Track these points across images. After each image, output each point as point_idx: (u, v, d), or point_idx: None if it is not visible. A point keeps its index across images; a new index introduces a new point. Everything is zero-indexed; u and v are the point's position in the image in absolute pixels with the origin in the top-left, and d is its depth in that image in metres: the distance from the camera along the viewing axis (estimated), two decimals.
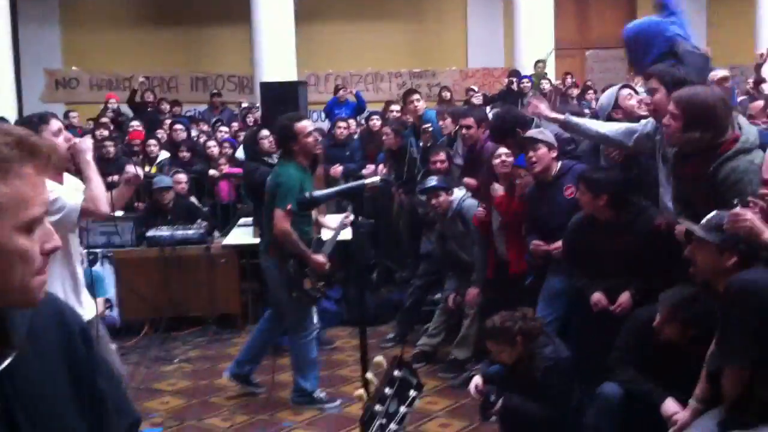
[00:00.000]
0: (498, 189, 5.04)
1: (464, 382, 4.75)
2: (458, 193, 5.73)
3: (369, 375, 1.34)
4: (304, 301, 4.88)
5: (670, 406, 3.38)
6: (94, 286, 6.18)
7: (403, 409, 1.31)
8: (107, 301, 6.47)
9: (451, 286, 5.83)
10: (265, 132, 6.50)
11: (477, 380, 4.14)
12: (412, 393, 1.33)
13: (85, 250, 6.30)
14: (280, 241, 4.83)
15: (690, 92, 3.48)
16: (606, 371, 3.72)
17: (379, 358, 1.36)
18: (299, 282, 4.82)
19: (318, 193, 4.57)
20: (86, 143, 3.59)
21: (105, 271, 6.75)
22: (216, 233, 7.35)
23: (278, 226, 4.77)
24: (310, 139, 4.88)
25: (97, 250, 6.80)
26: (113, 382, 1.41)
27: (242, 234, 7.11)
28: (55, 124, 3.53)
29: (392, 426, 1.30)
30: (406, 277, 7.04)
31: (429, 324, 6.00)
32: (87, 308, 3.57)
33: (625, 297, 4.06)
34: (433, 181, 5.76)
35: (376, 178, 3.49)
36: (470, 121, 5.98)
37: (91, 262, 6.53)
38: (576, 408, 3.90)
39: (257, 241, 6.45)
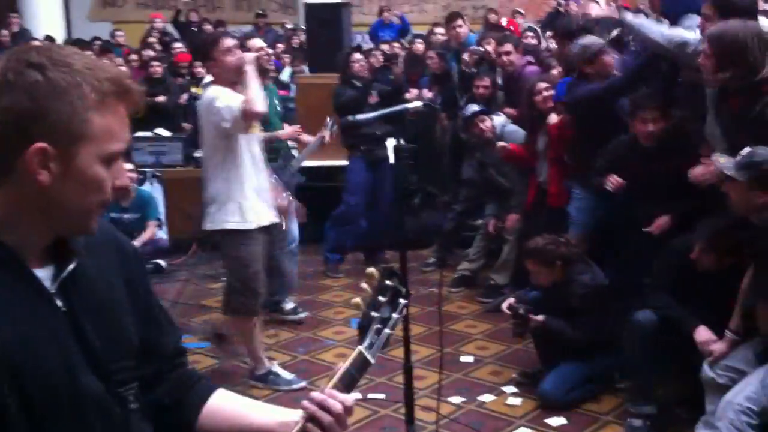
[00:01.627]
0: (554, 118, 4.91)
1: (500, 306, 4.84)
2: (499, 119, 5.73)
3: (363, 285, 1.45)
4: None
5: (702, 333, 3.44)
6: (147, 205, 6.41)
7: (395, 315, 1.44)
8: (158, 220, 6.65)
9: (491, 212, 5.89)
10: (357, 55, 6.52)
11: (510, 300, 4.22)
12: (402, 301, 1.45)
13: (135, 169, 6.50)
14: None
15: (721, 28, 3.32)
16: (641, 298, 3.78)
17: (370, 270, 1.47)
18: None
19: (361, 116, 4.64)
20: (250, 57, 3.96)
21: (154, 191, 6.92)
22: None
23: None
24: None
25: (147, 170, 6.99)
26: (161, 303, 1.51)
27: None
28: (225, 43, 3.94)
29: (386, 330, 1.43)
30: (447, 201, 7.10)
31: (469, 249, 6.09)
32: (258, 214, 4.04)
33: (664, 219, 4.03)
34: (473, 107, 5.76)
35: (419, 103, 3.52)
36: (508, 47, 5.89)
37: (140, 181, 6.72)
38: (612, 334, 3.97)
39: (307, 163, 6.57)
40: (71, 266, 1.23)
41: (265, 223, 4.12)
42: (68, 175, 1.15)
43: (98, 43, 11.03)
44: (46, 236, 1.22)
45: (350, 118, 4.70)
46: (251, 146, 4.06)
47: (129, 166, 5.81)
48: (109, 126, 1.18)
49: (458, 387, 4.22)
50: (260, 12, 13.43)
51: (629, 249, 4.32)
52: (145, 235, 6.32)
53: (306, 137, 5.49)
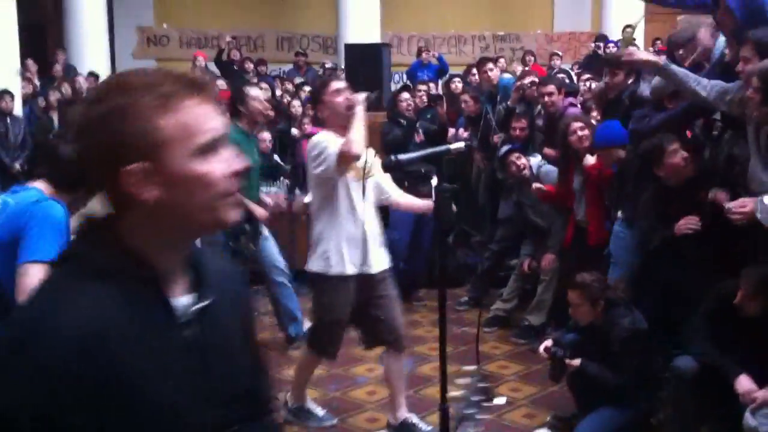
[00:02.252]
0: (590, 159, 4.94)
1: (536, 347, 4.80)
2: (534, 160, 5.75)
3: (458, 380, 1.48)
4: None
5: (744, 383, 3.37)
6: None
7: (485, 416, 1.44)
8: None
9: (527, 252, 5.86)
10: (405, 94, 6.56)
11: (547, 342, 4.18)
12: (488, 404, 1.46)
13: None
14: None
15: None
16: (682, 344, 3.72)
17: (466, 368, 1.53)
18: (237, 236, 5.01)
19: (403, 156, 4.67)
20: (360, 97, 3.89)
21: None
22: (297, 192, 7.53)
23: None
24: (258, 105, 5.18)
25: None
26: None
27: None
28: (333, 86, 3.94)
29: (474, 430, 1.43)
30: (483, 241, 7.09)
31: (504, 289, 6.06)
32: (343, 262, 3.92)
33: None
34: (507, 147, 5.80)
35: (461, 144, 3.54)
36: (551, 88, 5.93)
37: None
38: (654, 380, 3.91)
39: None
40: (206, 301, 1.25)
41: (350, 272, 3.95)
42: (169, 183, 1.17)
43: None
44: (182, 250, 1.26)
45: (392, 158, 4.76)
46: (351, 192, 3.93)
47: None
48: (184, 123, 1.18)
49: (491, 429, 4.15)
50: (301, 51, 13.65)
51: (669, 291, 4.26)
52: None
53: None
